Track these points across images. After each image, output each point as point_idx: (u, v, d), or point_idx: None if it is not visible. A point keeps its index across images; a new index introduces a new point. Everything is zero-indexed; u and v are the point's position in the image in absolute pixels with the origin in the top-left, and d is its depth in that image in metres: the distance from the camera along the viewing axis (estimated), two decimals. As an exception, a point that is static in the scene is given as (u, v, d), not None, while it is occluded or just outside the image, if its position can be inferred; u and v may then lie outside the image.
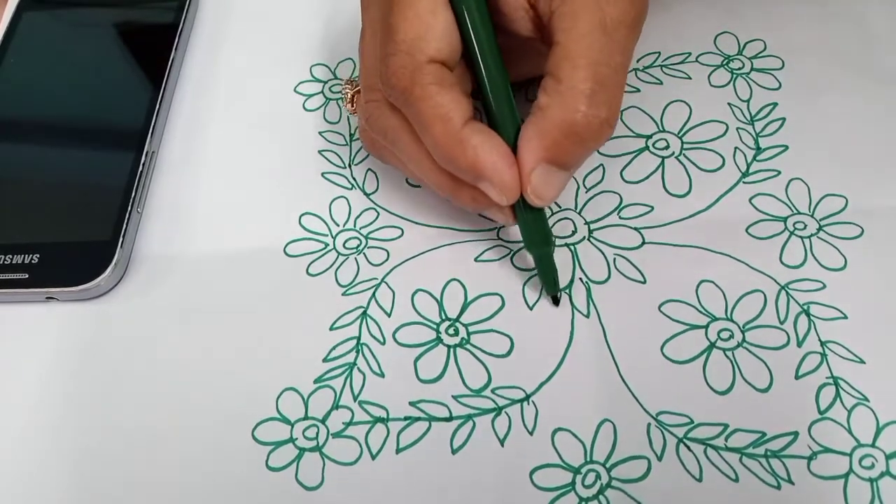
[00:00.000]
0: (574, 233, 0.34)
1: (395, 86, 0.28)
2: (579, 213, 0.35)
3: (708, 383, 0.30)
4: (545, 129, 0.28)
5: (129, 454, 0.31)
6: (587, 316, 0.32)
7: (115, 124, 0.38)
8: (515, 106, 0.29)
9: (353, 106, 0.36)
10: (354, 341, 0.32)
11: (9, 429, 0.32)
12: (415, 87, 0.28)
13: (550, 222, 0.34)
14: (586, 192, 0.35)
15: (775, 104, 0.37)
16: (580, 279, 0.33)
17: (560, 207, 0.35)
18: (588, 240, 0.34)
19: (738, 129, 0.36)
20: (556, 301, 0.33)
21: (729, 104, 0.37)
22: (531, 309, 0.33)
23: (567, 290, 0.33)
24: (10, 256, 0.34)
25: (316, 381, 0.32)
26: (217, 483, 0.30)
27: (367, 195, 0.36)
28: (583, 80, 0.27)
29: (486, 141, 0.28)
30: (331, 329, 0.33)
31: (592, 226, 0.34)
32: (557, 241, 0.34)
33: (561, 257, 0.33)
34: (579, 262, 0.33)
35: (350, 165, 0.37)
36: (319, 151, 0.38)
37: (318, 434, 0.31)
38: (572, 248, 0.34)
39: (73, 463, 0.31)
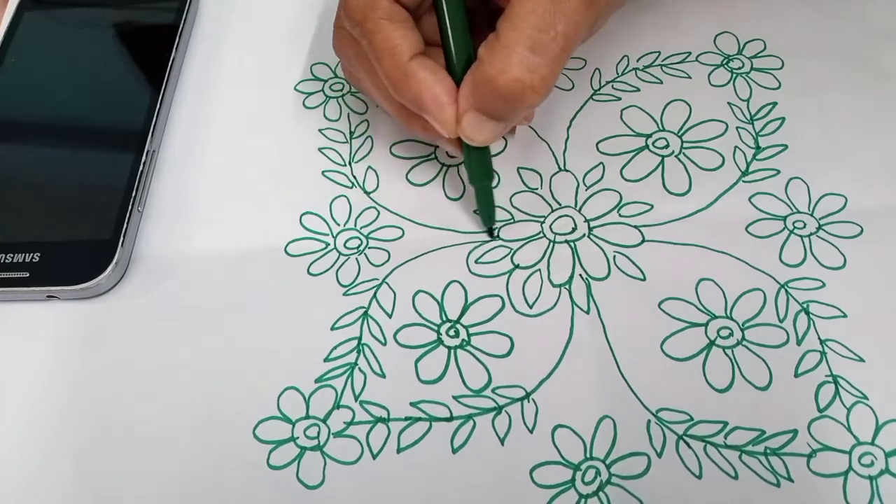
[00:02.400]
0: (574, 230, 0.34)
1: (350, 17, 0.31)
2: (579, 211, 0.35)
3: (707, 381, 0.31)
4: (476, 80, 0.29)
5: (130, 452, 0.31)
6: (587, 312, 0.32)
7: (115, 124, 0.38)
8: (472, 47, 0.30)
9: None
10: (355, 341, 0.32)
11: (9, 427, 0.32)
12: (367, 21, 0.30)
13: (551, 219, 0.35)
14: (586, 190, 0.35)
15: (775, 103, 0.37)
16: (580, 275, 0.33)
17: (560, 205, 0.35)
18: (588, 237, 0.34)
19: (737, 128, 0.37)
20: (490, 234, 0.34)
21: (729, 103, 0.37)
22: (531, 307, 0.33)
23: (567, 287, 0.33)
24: (11, 255, 0.34)
25: (317, 381, 0.32)
26: (218, 481, 0.30)
27: (368, 194, 0.36)
28: (517, 41, 0.28)
29: (430, 76, 0.30)
30: (332, 329, 0.33)
31: (592, 223, 0.34)
32: (558, 238, 0.34)
33: (561, 254, 0.34)
34: (579, 259, 0.33)
35: (350, 163, 0.37)
36: (319, 149, 0.38)
37: (319, 433, 0.31)
38: (572, 244, 0.34)
39: (73, 461, 0.31)
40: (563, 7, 0.28)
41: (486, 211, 0.34)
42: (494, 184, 0.35)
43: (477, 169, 0.33)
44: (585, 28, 0.29)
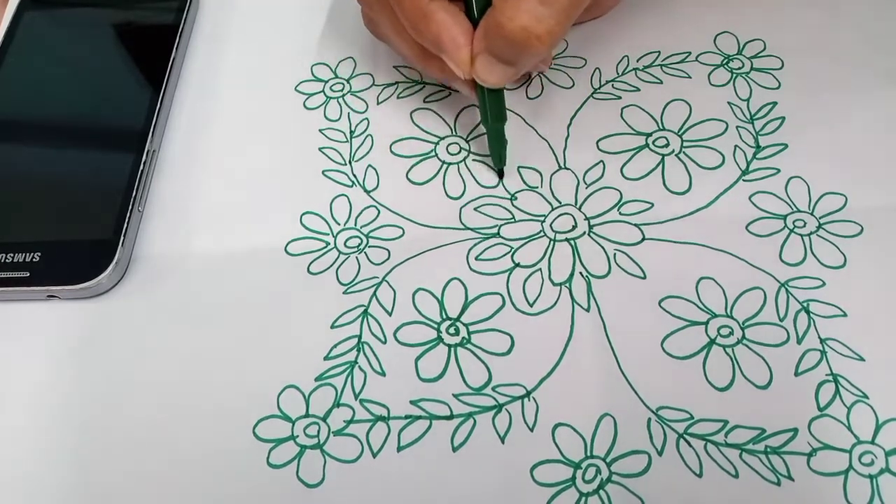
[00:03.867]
0: (574, 227, 0.34)
1: None
2: (579, 209, 0.35)
3: (708, 379, 0.31)
4: (488, 24, 0.31)
5: (130, 452, 0.31)
6: (587, 310, 0.32)
7: (116, 124, 0.38)
8: None
9: None
10: (355, 340, 0.32)
11: (9, 427, 0.32)
12: None
13: (551, 217, 0.35)
14: (586, 188, 0.35)
15: (775, 103, 0.37)
16: (580, 273, 0.33)
17: (560, 203, 0.35)
18: (588, 235, 0.34)
19: (737, 127, 0.37)
20: (500, 174, 0.36)
21: (729, 103, 0.37)
22: (531, 306, 0.33)
23: (567, 285, 0.33)
24: (12, 255, 0.34)
25: (317, 379, 0.32)
26: (218, 480, 0.30)
27: (368, 192, 0.36)
28: None
29: (449, 18, 0.31)
30: (332, 327, 0.33)
31: (592, 221, 0.34)
32: (558, 236, 0.34)
33: (561, 252, 0.34)
34: (579, 257, 0.34)
35: (350, 162, 0.37)
36: (320, 148, 0.38)
37: (319, 432, 0.31)
38: (572, 242, 0.34)
39: (73, 461, 0.31)
40: None
41: (497, 151, 0.35)
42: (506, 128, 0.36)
43: (492, 110, 0.34)
44: None
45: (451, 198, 0.36)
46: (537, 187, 0.36)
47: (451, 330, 0.32)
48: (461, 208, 0.35)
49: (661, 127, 0.37)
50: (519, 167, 0.36)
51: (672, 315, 0.32)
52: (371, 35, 0.38)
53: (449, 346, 0.32)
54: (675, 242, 0.34)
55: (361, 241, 0.35)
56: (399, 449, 0.30)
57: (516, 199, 0.35)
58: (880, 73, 0.38)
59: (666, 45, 0.40)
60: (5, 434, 0.31)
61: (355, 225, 0.35)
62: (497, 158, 0.36)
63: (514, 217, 0.35)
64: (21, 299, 0.34)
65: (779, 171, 0.35)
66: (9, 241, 0.35)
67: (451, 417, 0.31)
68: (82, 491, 0.30)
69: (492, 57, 0.31)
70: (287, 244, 0.35)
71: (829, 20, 0.39)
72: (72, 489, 0.30)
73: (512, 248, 0.34)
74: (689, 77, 0.38)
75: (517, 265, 0.34)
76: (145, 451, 0.31)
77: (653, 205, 0.35)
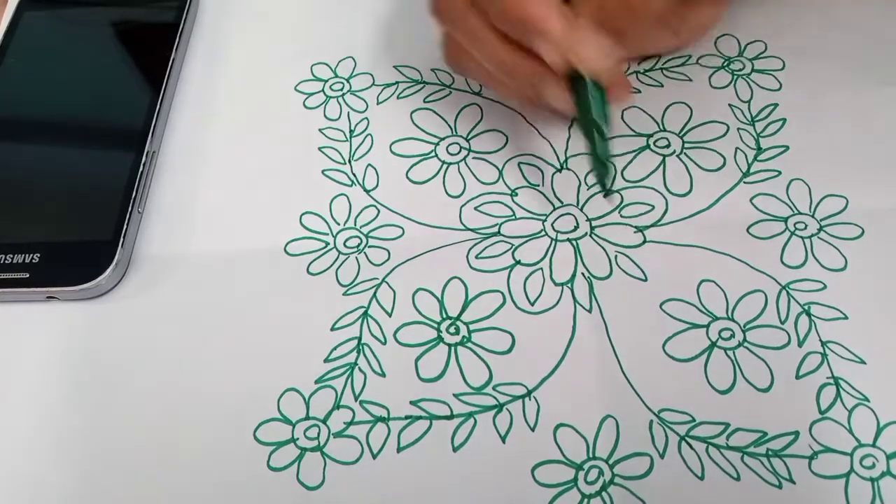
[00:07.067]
0: (576, 228, 0.34)
1: None
2: (581, 210, 0.35)
3: (709, 382, 0.31)
4: None
5: (130, 454, 0.31)
6: (589, 311, 0.32)
7: (115, 124, 0.38)
8: None
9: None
10: (355, 341, 0.32)
11: (9, 428, 0.31)
12: None
13: (553, 217, 0.35)
14: (588, 190, 0.35)
15: (776, 105, 0.37)
16: (582, 274, 0.33)
17: (562, 203, 0.35)
18: (590, 236, 0.34)
19: (738, 129, 0.37)
20: (606, 191, 0.33)
21: (729, 105, 0.37)
22: (532, 304, 0.33)
23: (569, 285, 0.33)
24: (11, 256, 0.34)
25: (317, 382, 0.32)
26: (218, 483, 0.30)
27: (368, 192, 0.36)
28: None
29: None
30: (332, 329, 0.33)
31: (594, 222, 0.34)
32: (560, 237, 0.34)
33: (563, 252, 0.34)
34: (581, 257, 0.33)
35: (350, 161, 0.37)
36: (320, 148, 0.38)
37: (319, 434, 0.31)
38: (574, 243, 0.34)
39: (72, 463, 0.31)
40: None
41: (600, 166, 0.32)
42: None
43: (597, 116, 0.31)
44: None
45: (451, 196, 0.36)
46: (538, 185, 0.36)
47: (452, 329, 0.32)
48: (461, 207, 0.35)
49: (661, 128, 0.37)
50: (520, 164, 0.36)
51: (673, 318, 0.32)
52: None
53: (449, 345, 0.32)
54: (676, 245, 0.34)
55: (361, 240, 0.35)
56: (399, 449, 0.30)
57: (517, 195, 0.35)
58: (881, 75, 0.38)
59: (667, 48, 0.40)
60: (5, 434, 0.31)
61: (355, 224, 0.35)
62: (600, 173, 0.33)
63: (514, 214, 0.35)
64: (21, 300, 0.34)
65: (780, 173, 0.35)
66: (8, 242, 0.35)
67: (451, 417, 0.31)
68: (82, 492, 0.30)
69: (599, 31, 0.30)
70: (287, 244, 0.35)
71: (829, 21, 0.39)
72: (72, 490, 0.30)
73: (513, 245, 0.34)
74: (690, 80, 0.38)
75: (518, 262, 0.34)
76: (145, 453, 0.31)
77: (653, 207, 0.35)
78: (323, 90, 0.40)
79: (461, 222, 0.35)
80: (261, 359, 0.32)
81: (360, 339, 0.32)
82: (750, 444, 0.29)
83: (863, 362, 0.31)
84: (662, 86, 0.38)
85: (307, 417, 0.31)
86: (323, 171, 0.37)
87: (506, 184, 0.36)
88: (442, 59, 0.36)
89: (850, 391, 0.30)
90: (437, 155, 0.37)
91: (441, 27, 0.34)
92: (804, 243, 0.33)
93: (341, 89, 0.40)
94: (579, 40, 0.30)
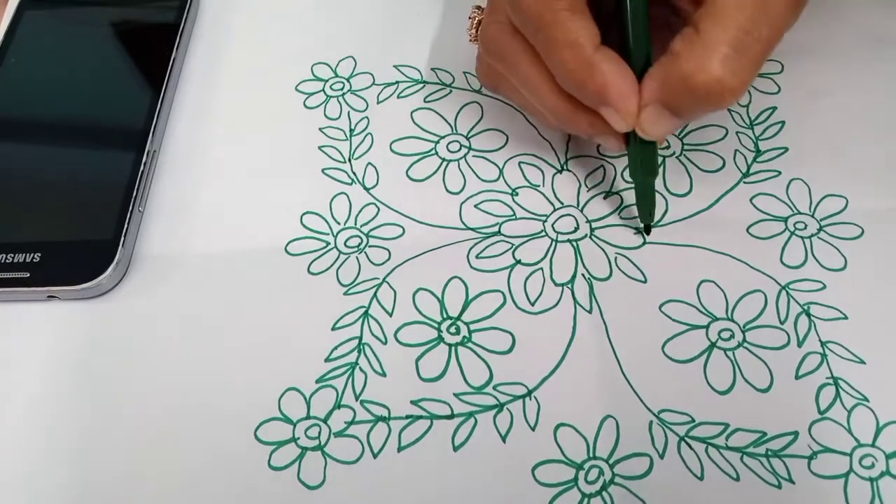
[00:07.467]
0: (576, 229, 0.34)
1: (524, 10, 0.29)
2: (581, 211, 0.35)
3: (709, 383, 0.31)
4: (669, 73, 0.28)
5: (130, 453, 0.31)
6: (590, 311, 0.32)
7: (116, 124, 0.38)
8: (651, 40, 0.30)
9: (475, 32, 0.35)
10: (356, 341, 0.32)
11: (9, 427, 0.31)
12: (546, 13, 0.29)
13: (554, 217, 0.35)
14: (588, 192, 0.35)
15: (774, 108, 0.37)
16: (582, 275, 0.33)
17: (563, 203, 0.35)
18: (590, 237, 0.34)
19: (737, 133, 0.37)
20: (647, 230, 0.34)
21: (728, 109, 0.37)
22: (533, 305, 0.33)
23: (570, 286, 0.33)
24: (12, 255, 0.34)
25: (318, 381, 0.32)
26: (219, 483, 0.30)
27: (368, 190, 0.36)
28: (720, 41, 0.27)
29: (616, 69, 0.29)
30: (333, 329, 0.33)
31: (594, 224, 0.34)
32: (561, 237, 0.34)
33: (563, 253, 0.34)
34: (581, 258, 0.34)
35: (350, 160, 0.37)
36: (320, 147, 0.38)
37: (320, 433, 0.31)
38: (574, 244, 0.34)
39: (72, 462, 0.31)
40: (770, 9, 0.27)
41: (645, 207, 0.33)
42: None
43: (644, 163, 0.32)
44: (785, 31, 0.28)
45: (451, 192, 0.36)
46: (539, 186, 0.36)
47: (452, 329, 0.32)
48: (461, 204, 0.35)
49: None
50: (521, 164, 0.36)
51: (673, 319, 0.32)
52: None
53: (450, 345, 0.32)
54: (675, 245, 0.34)
55: (361, 240, 0.35)
56: (400, 449, 0.30)
57: (517, 194, 0.35)
58: (880, 76, 0.38)
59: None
60: (5, 434, 0.31)
61: (355, 224, 0.35)
62: (645, 214, 0.33)
63: (514, 214, 0.35)
64: (21, 300, 0.34)
65: (779, 173, 0.35)
66: (9, 241, 0.35)
67: (451, 417, 0.31)
68: (82, 492, 0.30)
69: (663, 108, 0.29)
70: (287, 244, 0.35)
71: (827, 22, 0.39)
72: (72, 490, 0.30)
73: (513, 244, 0.34)
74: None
75: (518, 262, 0.34)
76: (145, 453, 0.31)
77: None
78: (323, 90, 0.40)
79: (461, 221, 0.35)
80: (261, 358, 0.32)
81: (360, 338, 0.32)
82: (749, 445, 0.29)
83: (862, 362, 0.31)
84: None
85: (308, 417, 0.31)
86: (323, 170, 0.37)
87: (506, 182, 0.36)
88: (474, 71, 0.36)
89: (850, 391, 0.30)
90: (437, 153, 0.37)
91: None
92: (804, 243, 0.33)
93: (341, 89, 0.40)
94: (648, 118, 0.29)
